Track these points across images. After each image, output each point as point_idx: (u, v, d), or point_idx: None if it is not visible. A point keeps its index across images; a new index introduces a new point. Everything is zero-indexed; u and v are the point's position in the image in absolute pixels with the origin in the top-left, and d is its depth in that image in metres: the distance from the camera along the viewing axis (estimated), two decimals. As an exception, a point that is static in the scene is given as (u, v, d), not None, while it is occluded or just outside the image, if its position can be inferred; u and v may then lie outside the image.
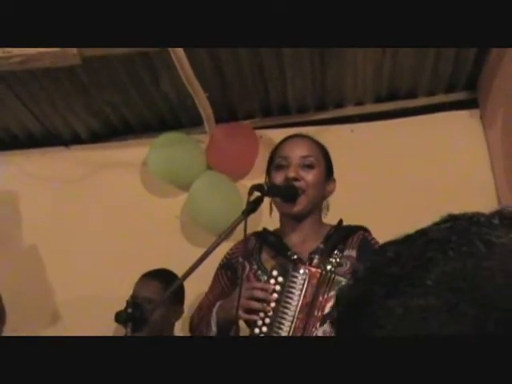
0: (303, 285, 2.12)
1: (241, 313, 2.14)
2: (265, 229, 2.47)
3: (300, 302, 2.11)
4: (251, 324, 2.16)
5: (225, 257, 2.49)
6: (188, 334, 2.63)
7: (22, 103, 3.75)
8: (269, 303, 2.13)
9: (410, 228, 2.84)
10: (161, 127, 3.99)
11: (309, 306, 2.11)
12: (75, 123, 4.03)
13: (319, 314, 2.11)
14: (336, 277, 2.16)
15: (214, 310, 2.29)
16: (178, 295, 3.14)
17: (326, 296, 2.12)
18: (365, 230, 2.40)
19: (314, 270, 2.15)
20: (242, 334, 2.26)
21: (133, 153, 4.03)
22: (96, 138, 4.15)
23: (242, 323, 2.28)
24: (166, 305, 3.06)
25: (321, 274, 2.13)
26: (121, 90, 3.70)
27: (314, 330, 2.09)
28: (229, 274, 2.44)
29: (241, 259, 2.37)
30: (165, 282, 3.29)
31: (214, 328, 2.27)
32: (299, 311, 2.11)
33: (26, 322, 3.57)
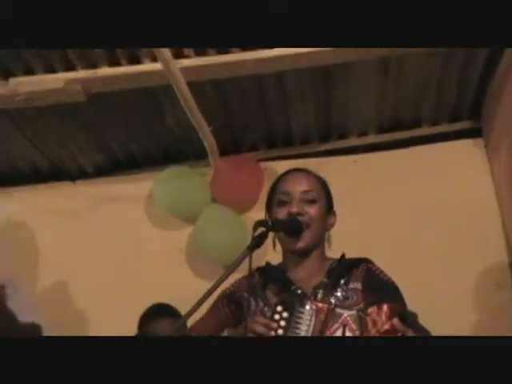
0: (310, 320, 2.11)
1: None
2: (268, 264, 2.46)
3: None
4: None
5: (228, 289, 2.47)
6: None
7: (29, 139, 3.79)
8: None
9: (413, 258, 2.86)
10: (165, 160, 4.01)
11: None
12: (81, 158, 4.06)
13: None
14: (337, 310, 2.15)
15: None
16: (181, 329, 3.12)
17: (332, 329, 2.12)
18: (367, 261, 2.40)
19: (320, 305, 2.14)
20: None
21: (138, 186, 4.04)
22: (101, 171, 4.17)
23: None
24: None
25: (328, 308, 2.13)
26: (125, 125, 3.73)
27: None
28: (232, 306, 2.40)
29: (245, 294, 2.36)
30: (174, 316, 3.30)
31: None
32: None
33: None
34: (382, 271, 2.36)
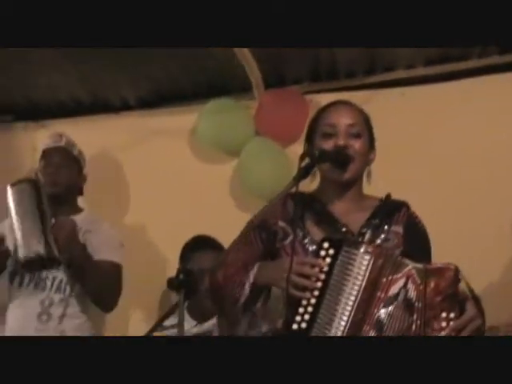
0: (367, 265, 2.08)
1: (291, 289, 2.10)
2: (305, 193, 2.42)
3: (364, 282, 2.07)
4: (296, 301, 2.13)
5: (259, 217, 2.40)
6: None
7: (71, 71, 3.77)
8: (317, 279, 2.10)
9: (457, 194, 2.81)
10: (210, 93, 3.97)
11: (372, 286, 2.07)
12: (124, 90, 4.04)
13: (382, 295, 2.08)
14: (402, 259, 2.13)
15: (252, 272, 2.24)
16: None
17: (390, 278, 2.09)
18: (407, 205, 2.38)
19: (378, 250, 2.12)
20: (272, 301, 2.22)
21: (182, 119, 4.03)
22: (145, 104, 4.15)
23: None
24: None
25: (386, 255, 2.11)
26: (171, 57, 3.68)
27: (375, 311, 2.07)
28: (264, 236, 2.35)
29: (281, 223, 2.33)
30: (217, 249, 3.32)
31: (247, 290, 2.23)
32: (363, 291, 2.07)
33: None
34: (420, 220, 2.36)
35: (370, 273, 2.07)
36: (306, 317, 2.08)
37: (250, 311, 2.27)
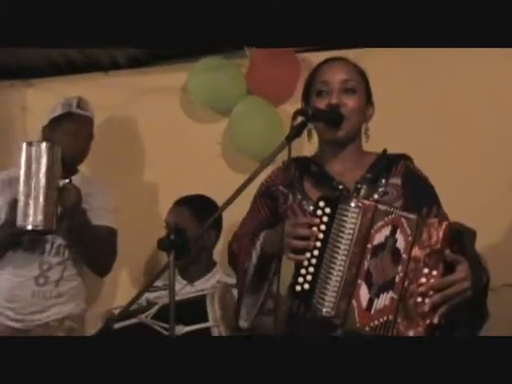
0: (356, 219, 2.06)
1: (288, 253, 2.09)
2: (303, 156, 2.42)
3: (355, 237, 2.05)
4: (298, 263, 2.11)
5: (263, 184, 2.42)
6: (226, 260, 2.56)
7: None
8: (316, 238, 2.08)
9: (453, 156, 2.76)
10: (200, 51, 3.91)
11: (363, 240, 2.06)
12: (114, 48, 3.99)
13: (370, 245, 2.06)
14: (392, 209, 2.09)
15: (259, 242, 2.24)
16: (215, 221, 3.11)
17: (375, 227, 2.07)
18: (407, 158, 2.36)
19: (367, 202, 2.09)
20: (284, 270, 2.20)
21: (172, 78, 3.98)
22: (134, 62, 4.10)
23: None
24: (204, 231, 3.07)
25: (375, 208, 2.08)
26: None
27: (366, 263, 2.05)
28: (269, 203, 2.36)
29: (281, 188, 2.33)
30: (194, 208, 3.31)
31: (254, 260, 2.23)
32: (355, 245, 2.05)
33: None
34: (420, 171, 2.34)
35: (360, 226, 2.05)
36: (309, 277, 2.06)
37: (266, 279, 2.25)
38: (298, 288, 2.07)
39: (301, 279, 2.07)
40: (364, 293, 2.04)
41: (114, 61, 4.10)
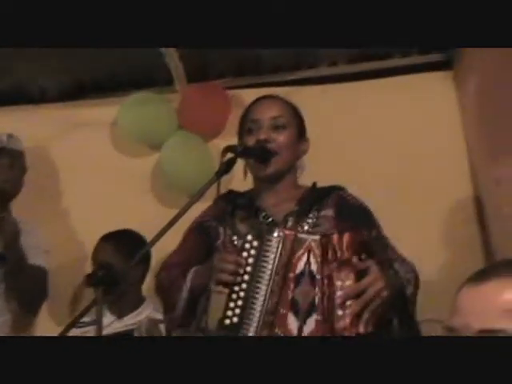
0: (277, 248, 2.09)
1: (215, 287, 2.11)
2: (232, 191, 2.45)
3: (275, 265, 2.08)
4: (227, 297, 2.12)
5: (196, 219, 2.46)
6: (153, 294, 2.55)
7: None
8: (245, 270, 2.09)
9: (380, 188, 2.83)
10: (131, 86, 3.92)
11: (284, 268, 2.08)
12: (44, 80, 3.96)
13: (291, 274, 2.08)
14: (302, 236, 2.13)
15: (189, 276, 2.25)
16: (143, 256, 3.10)
17: (296, 255, 2.10)
18: (340, 188, 2.40)
19: (287, 232, 2.13)
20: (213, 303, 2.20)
21: (103, 112, 3.96)
22: (65, 96, 4.07)
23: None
24: (132, 266, 3.06)
25: (294, 235, 2.11)
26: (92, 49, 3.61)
27: (289, 291, 2.08)
28: (201, 237, 2.38)
29: (213, 223, 2.34)
30: (118, 243, 3.30)
31: (184, 295, 2.24)
32: (275, 273, 2.08)
33: None
34: (354, 197, 2.39)
35: (281, 255, 2.09)
36: (237, 311, 2.08)
37: (195, 316, 2.25)
38: (227, 321, 2.08)
39: (230, 312, 2.08)
40: (291, 321, 2.06)
41: (45, 93, 4.06)
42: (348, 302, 2.01)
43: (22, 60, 3.69)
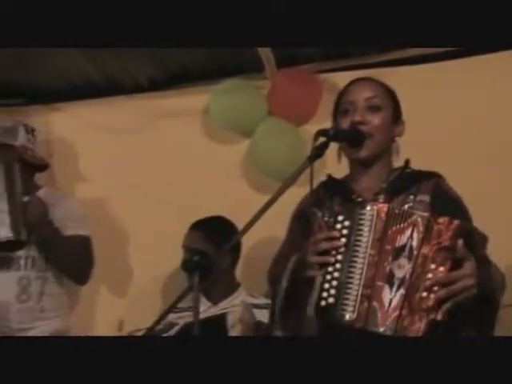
0: (371, 221, 2.07)
1: (309, 270, 2.10)
2: (330, 176, 2.43)
3: (370, 238, 2.06)
4: (321, 277, 2.11)
5: (298, 206, 2.47)
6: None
7: (83, 53, 3.75)
8: (337, 251, 2.08)
9: (480, 173, 2.72)
10: (221, 74, 3.94)
11: (380, 242, 2.06)
12: (136, 71, 4.02)
13: (389, 247, 2.06)
14: (409, 210, 2.12)
15: (290, 265, 2.25)
16: (235, 243, 3.11)
17: (395, 228, 2.07)
18: (438, 176, 2.35)
19: (381, 205, 2.10)
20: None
21: (194, 100, 4.00)
22: (156, 86, 4.12)
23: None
24: (224, 253, 3.07)
25: (388, 208, 2.08)
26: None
27: (386, 264, 2.05)
28: (302, 225, 2.38)
29: (314, 209, 2.33)
30: (208, 231, 3.32)
31: (284, 284, 2.25)
32: (371, 247, 2.06)
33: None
34: (451, 187, 2.33)
35: (375, 227, 2.06)
36: (332, 291, 2.07)
37: (295, 306, 2.25)
38: (323, 303, 2.07)
39: (325, 294, 2.07)
40: (386, 293, 2.04)
41: (136, 84, 4.12)
42: (435, 287, 1.98)
43: (114, 52, 3.76)
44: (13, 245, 3.20)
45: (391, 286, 2.04)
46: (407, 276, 2.03)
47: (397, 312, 2.01)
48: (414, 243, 2.04)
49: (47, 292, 3.38)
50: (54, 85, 4.16)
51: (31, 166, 3.53)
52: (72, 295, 3.58)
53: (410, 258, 2.04)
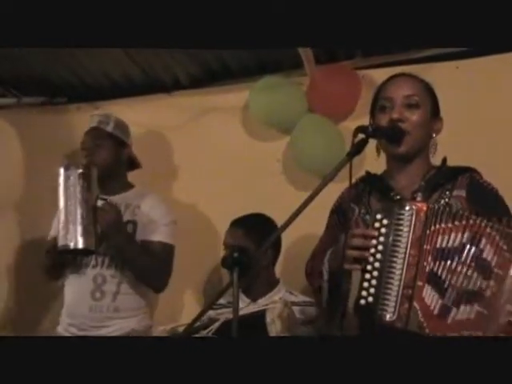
0: (411, 220, 2.06)
1: (345, 263, 2.11)
2: (369, 172, 2.44)
3: (410, 238, 2.05)
4: (361, 275, 2.11)
5: (337, 201, 2.49)
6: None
7: (124, 51, 3.78)
8: (376, 250, 2.08)
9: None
10: (260, 70, 3.95)
11: (419, 241, 2.05)
12: (176, 69, 4.04)
13: (429, 247, 2.04)
14: (446, 207, 2.10)
15: (326, 258, 2.28)
16: (275, 239, 3.11)
17: (433, 228, 2.06)
18: (474, 170, 2.34)
19: (420, 204, 2.09)
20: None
21: (233, 97, 4.03)
22: (196, 83, 4.15)
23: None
24: (265, 250, 3.07)
25: (427, 207, 2.08)
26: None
27: (425, 264, 2.04)
28: (340, 219, 2.41)
29: (352, 204, 2.34)
30: (248, 228, 3.31)
31: (325, 277, 2.27)
32: (410, 247, 2.05)
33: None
34: (487, 181, 2.31)
35: (414, 227, 2.05)
36: (372, 290, 2.07)
37: (338, 298, 2.25)
38: (363, 302, 2.07)
39: (364, 293, 2.08)
40: (428, 294, 2.03)
41: (177, 81, 4.15)
42: None
43: (155, 51, 3.79)
44: (83, 251, 3.15)
45: (435, 286, 2.02)
46: (488, 294, 1.98)
47: (477, 332, 1.97)
48: (488, 256, 1.99)
49: (123, 292, 3.34)
50: (96, 83, 4.21)
51: (128, 165, 3.56)
52: (152, 296, 3.50)
53: (483, 273, 1.99)
